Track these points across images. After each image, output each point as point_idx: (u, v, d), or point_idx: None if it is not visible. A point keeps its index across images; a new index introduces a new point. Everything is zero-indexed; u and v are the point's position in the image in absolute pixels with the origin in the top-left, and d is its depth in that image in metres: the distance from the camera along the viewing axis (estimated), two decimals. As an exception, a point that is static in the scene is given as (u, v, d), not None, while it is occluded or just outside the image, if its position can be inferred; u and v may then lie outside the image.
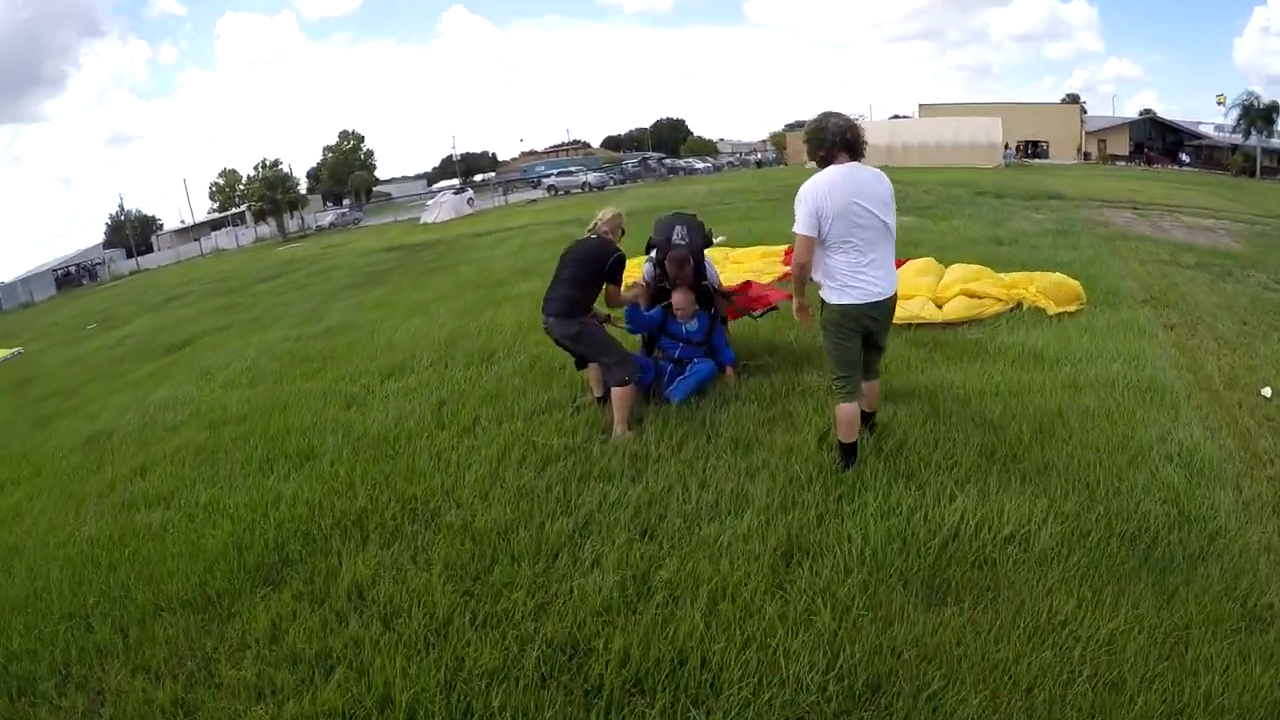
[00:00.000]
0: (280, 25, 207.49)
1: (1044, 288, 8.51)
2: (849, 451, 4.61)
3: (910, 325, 7.56)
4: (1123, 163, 61.32)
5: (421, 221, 42.08)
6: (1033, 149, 67.29)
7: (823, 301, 4.54)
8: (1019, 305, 8.28)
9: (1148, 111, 77.14)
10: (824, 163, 4.41)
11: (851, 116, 4.43)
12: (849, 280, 4.37)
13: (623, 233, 5.78)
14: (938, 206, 19.67)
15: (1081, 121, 71.49)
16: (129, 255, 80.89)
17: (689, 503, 4.39)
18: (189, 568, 4.37)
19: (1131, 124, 71.79)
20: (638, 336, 6.40)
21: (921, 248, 12.13)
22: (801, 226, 4.35)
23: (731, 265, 11.12)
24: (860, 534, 3.89)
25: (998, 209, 19.06)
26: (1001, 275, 9.02)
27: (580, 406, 5.98)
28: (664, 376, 6.03)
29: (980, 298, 8.28)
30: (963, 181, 28.68)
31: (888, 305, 4.54)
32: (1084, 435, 5.03)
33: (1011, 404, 5.59)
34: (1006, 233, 14.48)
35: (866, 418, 4.95)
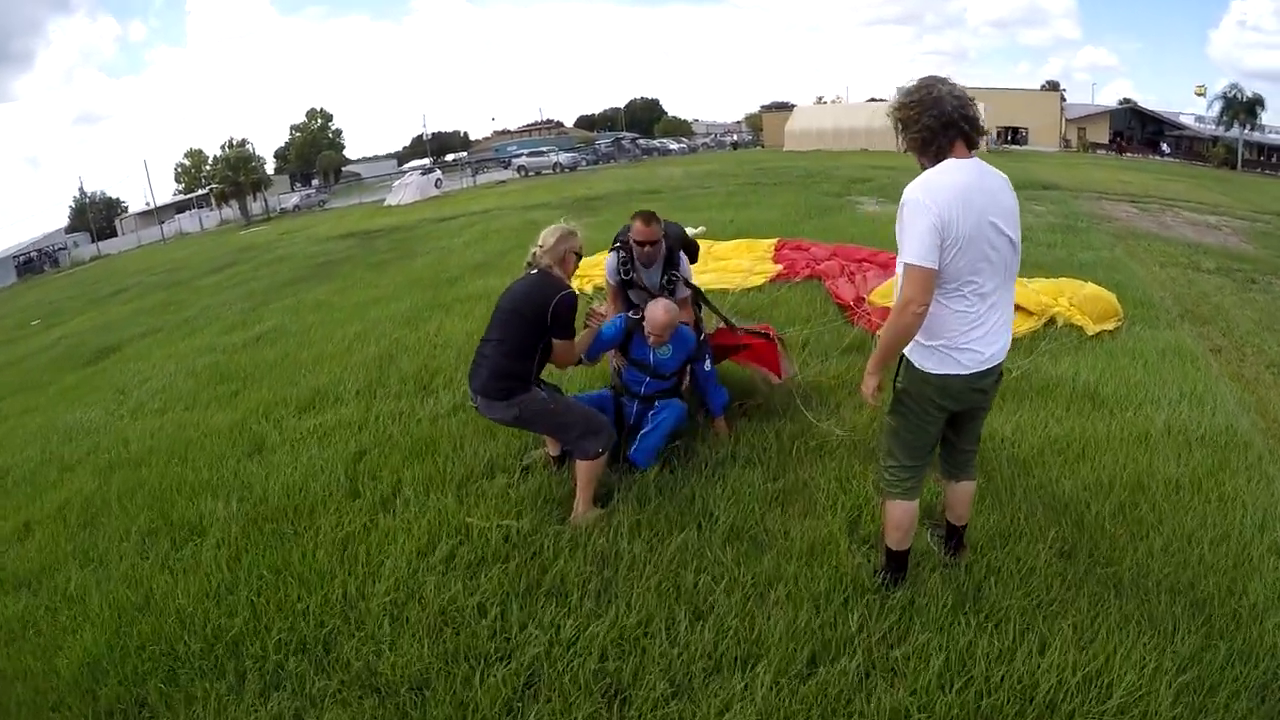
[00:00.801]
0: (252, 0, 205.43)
1: (1078, 301, 7.43)
2: (898, 563, 3.36)
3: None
4: (1103, 151, 60.97)
5: (386, 204, 40.22)
6: (1012, 135, 66.76)
7: (904, 362, 3.15)
8: (1053, 321, 7.20)
9: (1128, 101, 77.15)
10: (936, 157, 2.98)
11: (917, 91, 3.00)
12: (960, 339, 2.98)
13: (578, 258, 4.32)
14: None
15: (1061, 109, 71.22)
16: (92, 239, 79.13)
17: (676, 645, 3.17)
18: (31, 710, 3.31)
19: (1112, 113, 71.73)
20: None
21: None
22: (919, 254, 2.84)
23: (715, 263, 9.88)
24: (923, 712, 2.73)
25: None
26: (1025, 282, 7.83)
27: (529, 466, 4.72)
28: (626, 419, 4.81)
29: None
30: None
31: (998, 372, 3.18)
32: (1175, 520, 3.94)
33: (1079, 469, 4.49)
34: None
35: (952, 533, 3.62)
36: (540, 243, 4.21)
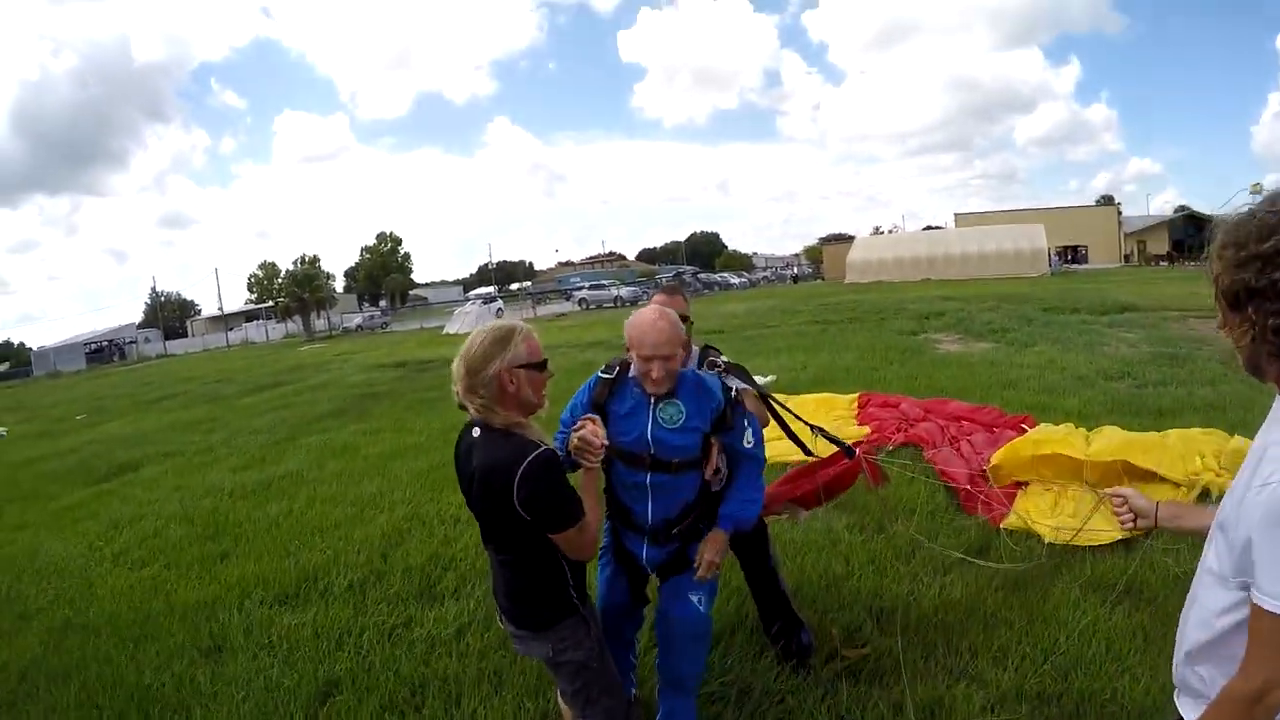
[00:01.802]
0: (334, 125, 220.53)
1: (1229, 462, 5.87)
2: None
3: (1081, 545, 4.91)
4: (1164, 263, 59.31)
5: (445, 331, 40.17)
6: (1071, 254, 65.53)
7: None
8: (1205, 493, 5.61)
9: (1184, 208, 76.07)
10: None
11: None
12: None
13: (533, 371, 2.58)
14: (1012, 328, 17.17)
15: (1119, 223, 70.25)
16: (163, 338, 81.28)
17: None
18: None
19: (1170, 222, 70.38)
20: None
21: (1022, 388, 10.07)
22: None
23: (792, 426, 8.54)
24: None
25: (1079, 329, 16.49)
26: (1160, 436, 6.53)
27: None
28: (635, 599, 3.34)
29: (1147, 481, 5.74)
30: (1017, 295, 26.45)
31: None
32: None
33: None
34: (1111, 363, 11.93)
35: None
36: (455, 376, 2.58)
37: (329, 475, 9.06)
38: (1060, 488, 5.88)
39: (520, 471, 2.40)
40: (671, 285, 3.96)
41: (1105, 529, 4.77)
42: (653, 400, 3.01)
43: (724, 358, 3.57)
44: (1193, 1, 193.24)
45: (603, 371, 3.16)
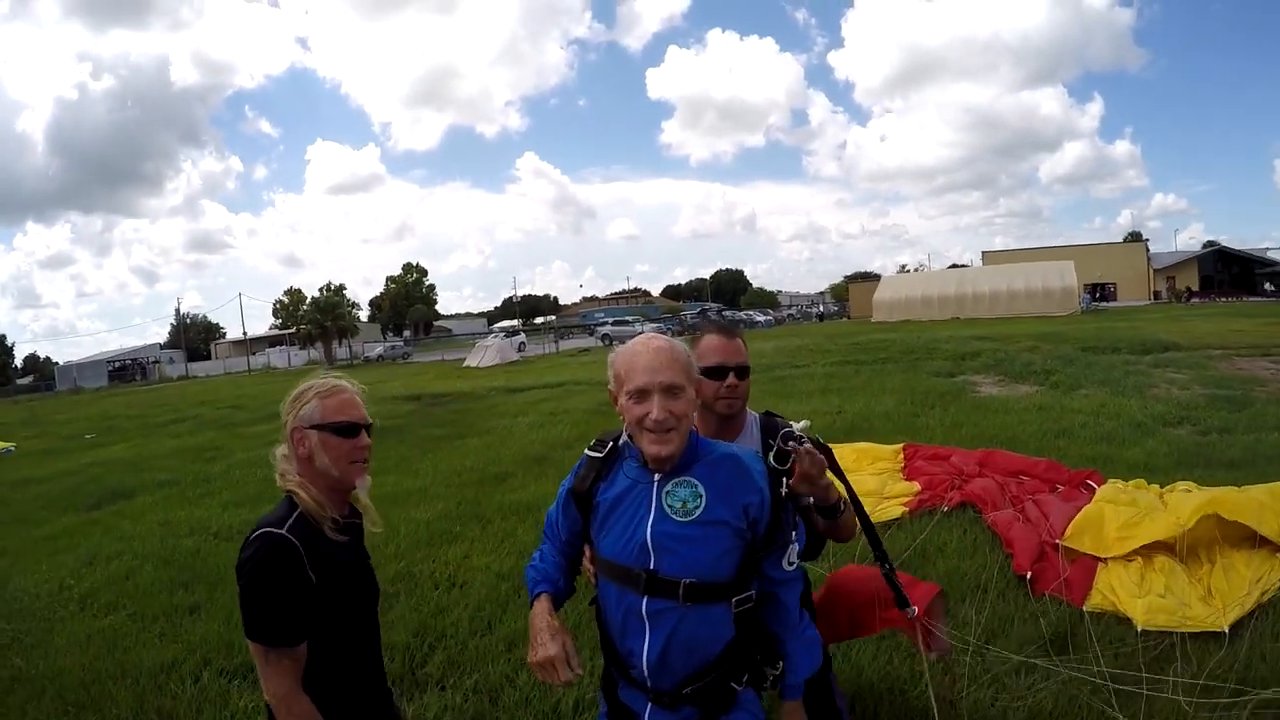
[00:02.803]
0: (365, 157, 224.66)
1: None
2: None
3: (1176, 633, 4.26)
4: (1197, 299, 58.17)
5: (465, 364, 39.54)
6: (1100, 292, 64.47)
7: None
8: None
9: (1212, 244, 75.04)
10: None
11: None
12: None
13: (330, 434, 2.16)
14: (1054, 369, 16.24)
15: (1148, 260, 69.36)
16: (186, 359, 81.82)
17: None
18: None
19: (1199, 258, 69.37)
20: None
21: (1078, 438, 9.31)
22: None
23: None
24: None
25: (1124, 369, 15.66)
26: (1238, 491, 5.70)
27: None
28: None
29: (1241, 544, 5.01)
30: (1053, 334, 25.53)
31: None
32: None
33: None
34: (1166, 407, 11.09)
35: None
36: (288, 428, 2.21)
37: (323, 519, 8.38)
38: (1145, 558, 5.11)
39: (242, 546, 2.02)
40: (727, 323, 2.92)
41: (1202, 615, 4.34)
42: (657, 479, 2.07)
43: (803, 431, 2.46)
44: (1215, 36, 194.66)
45: (591, 449, 2.24)
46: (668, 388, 1.99)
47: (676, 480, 2.05)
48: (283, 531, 2.00)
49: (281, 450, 2.19)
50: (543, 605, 2.14)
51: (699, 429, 2.34)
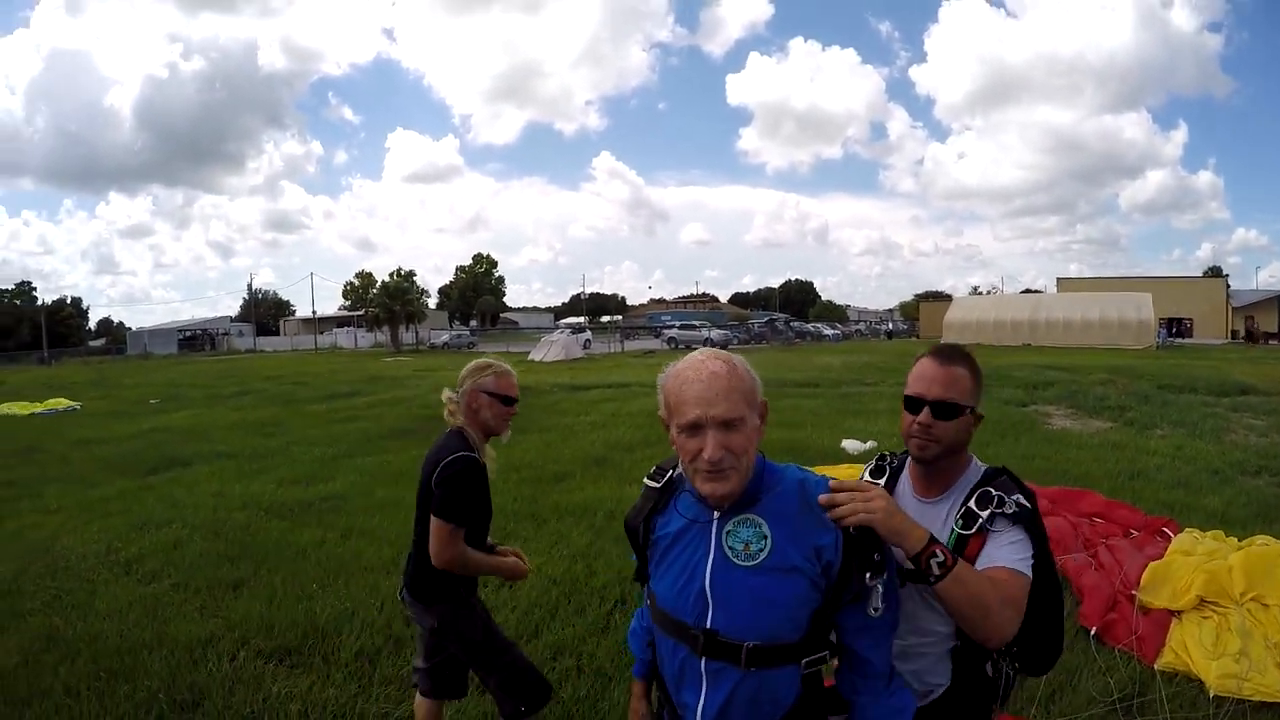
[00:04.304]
0: (443, 148, 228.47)
1: None
2: None
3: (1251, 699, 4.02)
4: (1275, 340, 55.89)
5: (530, 358, 39.54)
6: (1176, 327, 62.20)
7: None
8: None
9: None
10: None
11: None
12: None
13: (495, 400, 3.13)
14: (1129, 406, 15.54)
15: (1227, 297, 66.78)
16: (259, 333, 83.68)
17: None
18: None
19: (1279, 298, 66.52)
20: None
21: (1153, 481, 8.86)
22: None
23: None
24: None
25: (1201, 410, 14.84)
26: None
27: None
28: None
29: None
30: (1127, 368, 24.66)
31: None
32: None
33: None
34: (1244, 454, 10.52)
35: None
36: (460, 383, 3.19)
37: (374, 504, 8.32)
38: (1221, 614, 4.80)
39: (448, 457, 2.94)
40: (948, 347, 2.17)
41: (1277, 684, 4.07)
42: (716, 517, 1.77)
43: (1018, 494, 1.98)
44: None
45: (649, 477, 1.96)
46: (724, 422, 1.66)
47: (738, 518, 1.75)
48: (474, 455, 2.97)
49: (450, 394, 3.13)
50: (636, 690, 2.19)
51: (913, 481, 2.14)
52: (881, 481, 2.18)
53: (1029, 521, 1.92)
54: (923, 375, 2.09)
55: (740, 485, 1.71)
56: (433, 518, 2.88)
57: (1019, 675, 2.14)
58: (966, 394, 2.05)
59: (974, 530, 1.92)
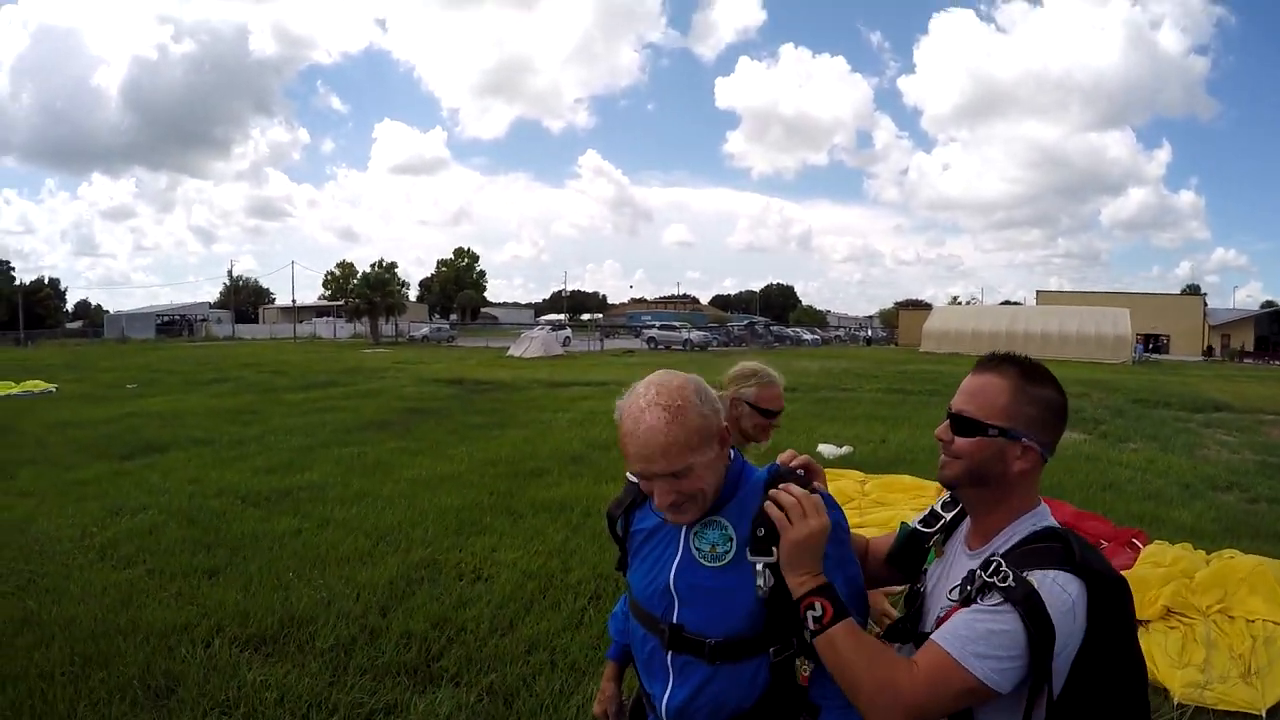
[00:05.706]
0: (430, 140, 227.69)
1: None
2: None
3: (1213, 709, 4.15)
4: (1249, 360, 56.73)
5: (508, 354, 39.58)
6: (1153, 343, 63.02)
7: None
8: None
9: (1270, 304, 73.25)
10: None
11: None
12: None
13: (755, 412, 3.01)
14: (1103, 419, 15.84)
15: (1204, 315, 67.78)
16: (238, 320, 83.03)
17: None
18: None
19: (1255, 318, 67.72)
20: None
21: (1125, 493, 9.02)
22: None
23: (875, 511, 7.49)
24: None
25: (1173, 425, 15.25)
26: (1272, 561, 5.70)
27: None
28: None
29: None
30: (1103, 382, 25.09)
31: None
32: None
33: None
34: (1215, 469, 10.77)
35: None
36: None
37: (351, 494, 8.31)
38: (1187, 625, 4.98)
39: None
40: (993, 356, 1.74)
41: (1242, 695, 4.20)
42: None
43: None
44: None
45: (631, 472, 1.82)
46: (667, 475, 1.62)
47: (706, 520, 1.74)
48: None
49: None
50: (608, 670, 2.22)
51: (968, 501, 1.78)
52: (949, 517, 1.87)
53: (1032, 611, 1.41)
54: (963, 388, 1.75)
55: (701, 512, 1.70)
56: None
57: None
58: (996, 412, 1.64)
59: (959, 599, 1.55)
